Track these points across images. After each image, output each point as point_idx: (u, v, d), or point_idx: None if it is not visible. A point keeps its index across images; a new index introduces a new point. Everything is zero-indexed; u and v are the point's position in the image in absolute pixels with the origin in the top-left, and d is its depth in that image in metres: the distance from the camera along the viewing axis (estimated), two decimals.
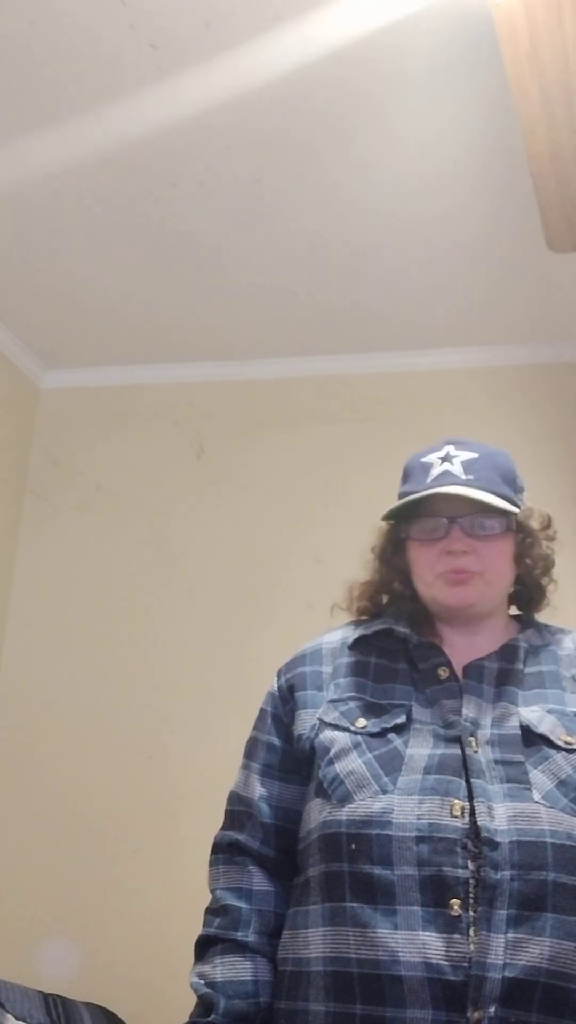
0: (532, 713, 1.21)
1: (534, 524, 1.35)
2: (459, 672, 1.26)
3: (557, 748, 1.18)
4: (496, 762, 1.16)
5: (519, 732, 1.19)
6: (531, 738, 1.18)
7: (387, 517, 1.34)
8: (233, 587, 2.83)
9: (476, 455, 1.31)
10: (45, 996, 2.22)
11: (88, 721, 2.80)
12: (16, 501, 3.04)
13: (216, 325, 2.87)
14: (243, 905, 1.24)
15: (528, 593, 1.39)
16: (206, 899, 1.30)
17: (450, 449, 1.33)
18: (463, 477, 1.28)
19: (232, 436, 2.99)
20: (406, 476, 1.37)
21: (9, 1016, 2.03)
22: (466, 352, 2.89)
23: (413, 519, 1.32)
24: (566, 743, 1.18)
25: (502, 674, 1.26)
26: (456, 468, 1.29)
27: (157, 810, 2.66)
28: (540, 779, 1.15)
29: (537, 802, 1.12)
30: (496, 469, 1.31)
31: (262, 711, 1.37)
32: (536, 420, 2.83)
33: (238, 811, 1.32)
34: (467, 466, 1.30)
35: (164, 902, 2.55)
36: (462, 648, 1.30)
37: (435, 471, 1.31)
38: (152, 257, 2.55)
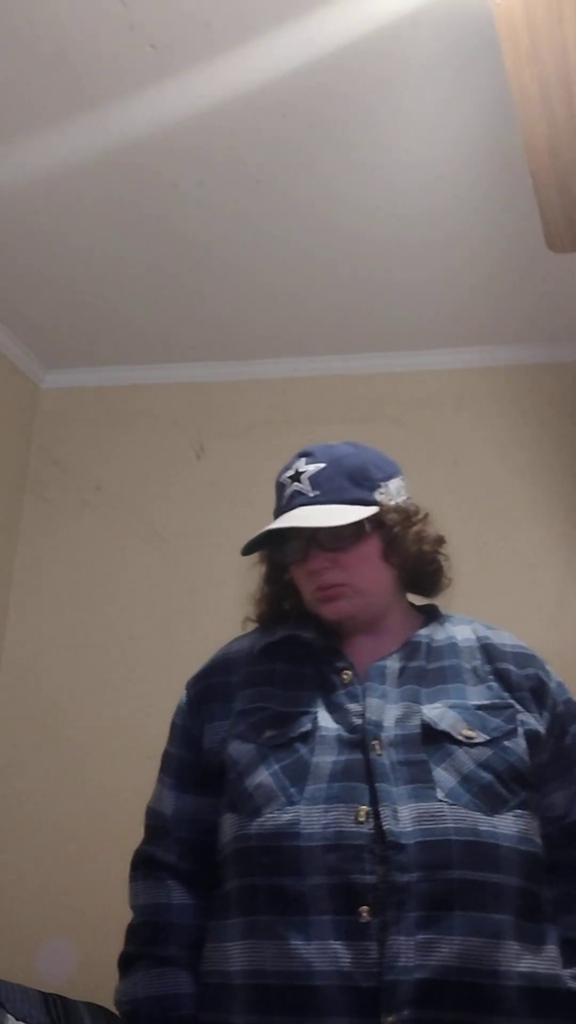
0: (434, 710, 1.21)
1: (395, 516, 1.32)
2: (362, 674, 1.26)
3: (459, 743, 1.18)
4: (400, 763, 1.16)
5: (421, 731, 1.19)
6: (433, 735, 1.18)
7: (245, 551, 1.37)
8: (233, 587, 2.83)
9: (323, 465, 1.31)
10: (45, 996, 2.22)
11: (88, 721, 2.80)
12: (16, 501, 3.04)
13: (216, 325, 2.87)
14: (162, 920, 1.24)
15: (419, 580, 1.38)
16: (129, 903, 1.32)
17: (299, 464, 1.34)
18: (310, 494, 1.30)
19: (232, 436, 2.99)
20: (275, 498, 1.38)
21: (9, 1016, 2.03)
22: (466, 352, 2.89)
23: (281, 543, 1.34)
24: (467, 737, 1.18)
25: (405, 673, 1.26)
26: (304, 485, 1.31)
27: None
28: (443, 777, 1.15)
29: (441, 800, 1.13)
30: (344, 474, 1.31)
31: (173, 724, 1.38)
32: (536, 420, 2.84)
33: (154, 826, 1.33)
34: (314, 480, 1.30)
35: None
36: (367, 649, 1.29)
37: (287, 492, 1.33)
38: (152, 257, 2.55)
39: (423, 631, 1.32)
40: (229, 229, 2.42)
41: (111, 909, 2.59)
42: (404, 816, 1.11)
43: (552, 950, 1.14)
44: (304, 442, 3.00)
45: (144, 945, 1.24)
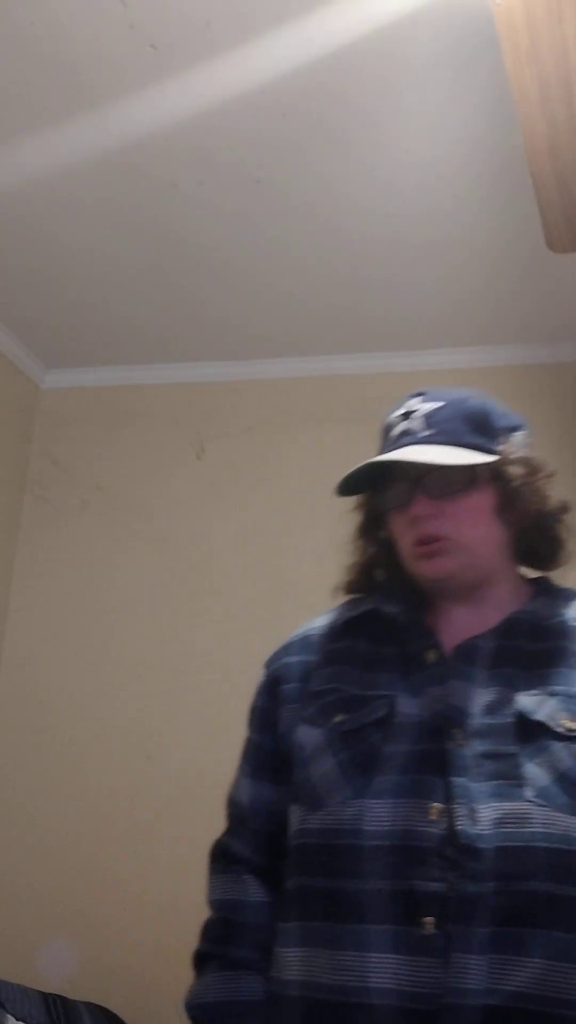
0: (531, 698, 1.06)
1: (516, 470, 1.16)
2: (450, 654, 1.12)
3: (557, 736, 1.02)
4: (484, 756, 1.02)
5: (513, 720, 1.04)
6: (528, 727, 1.03)
7: (340, 492, 1.20)
8: (233, 587, 2.83)
9: (440, 404, 1.18)
10: (45, 996, 2.22)
11: (88, 721, 2.80)
12: (16, 501, 3.04)
13: (216, 325, 2.87)
14: (237, 918, 1.15)
15: (535, 548, 1.21)
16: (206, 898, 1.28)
17: (412, 402, 1.20)
18: (421, 433, 1.15)
19: (232, 436, 2.99)
20: (379, 441, 1.24)
21: (9, 1016, 2.03)
22: (466, 352, 2.89)
23: (383, 487, 1.19)
24: (568, 730, 1.03)
25: (500, 654, 1.11)
26: (416, 424, 1.16)
27: (157, 810, 2.66)
28: (536, 773, 1.00)
29: (529, 800, 0.98)
30: (463, 416, 1.16)
31: (252, 707, 1.28)
32: (536, 420, 2.82)
33: (232, 815, 1.24)
34: (428, 419, 1.16)
35: (164, 902, 2.55)
36: (462, 623, 1.15)
37: (395, 432, 1.18)
38: (152, 257, 2.55)
39: (528, 606, 1.16)
40: (229, 229, 2.42)
41: (111, 910, 2.60)
42: (483, 817, 0.97)
43: None
44: (304, 442, 3.03)
45: (217, 944, 1.15)
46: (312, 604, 2.91)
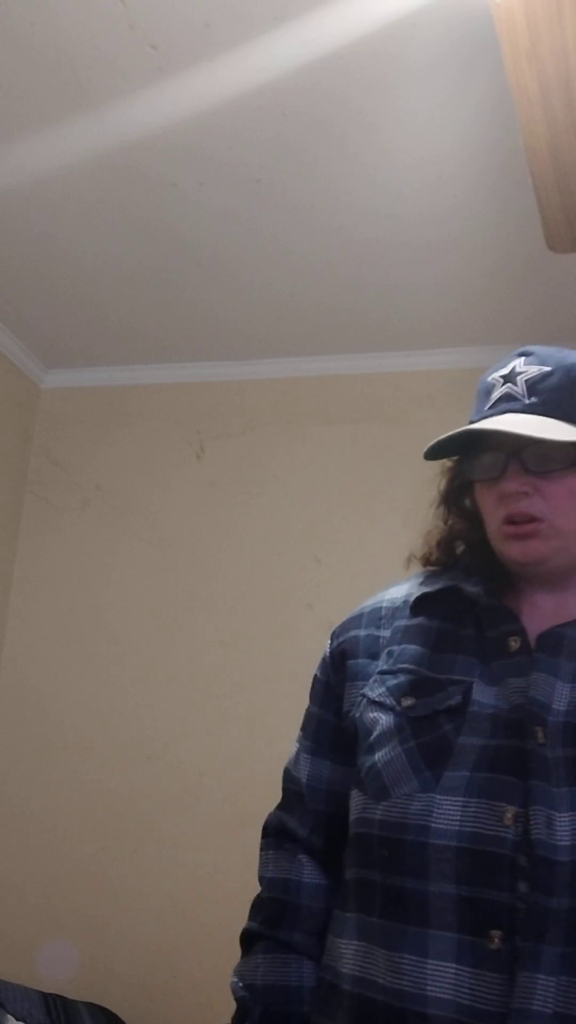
0: None
1: None
2: (534, 642, 1.04)
3: None
4: (567, 759, 0.94)
5: None
6: None
7: (429, 456, 1.10)
8: (233, 587, 2.83)
9: (547, 369, 1.07)
10: (45, 996, 2.22)
11: (88, 721, 2.80)
12: (16, 501, 3.04)
13: (216, 325, 2.87)
14: (291, 899, 1.10)
15: None
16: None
17: (517, 364, 1.09)
18: (524, 401, 1.05)
19: (232, 436, 2.99)
20: (475, 402, 1.15)
21: (9, 1016, 2.03)
22: (466, 352, 2.89)
23: (475, 455, 1.09)
24: None
25: None
26: (519, 389, 1.06)
27: (157, 810, 2.66)
28: None
29: None
30: (572, 385, 1.06)
31: (315, 679, 1.20)
32: None
33: (290, 790, 1.18)
34: (532, 385, 1.06)
35: (164, 902, 2.55)
36: (546, 611, 1.07)
37: (495, 395, 1.08)
38: (152, 257, 2.55)
39: None
40: (229, 229, 2.42)
41: (111, 910, 2.60)
42: (561, 826, 0.90)
43: None
44: (303, 442, 3.03)
45: (268, 925, 1.10)
46: (310, 603, 2.94)
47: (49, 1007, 2.18)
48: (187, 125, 2.07)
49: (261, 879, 1.15)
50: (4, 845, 2.73)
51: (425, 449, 1.09)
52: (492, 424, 1.04)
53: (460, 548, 1.18)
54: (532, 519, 1.04)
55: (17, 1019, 2.04)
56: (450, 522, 1.18)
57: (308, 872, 1.11)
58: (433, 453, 1.10)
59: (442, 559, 1.18)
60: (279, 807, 1.18)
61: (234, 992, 1.09)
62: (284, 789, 1.19)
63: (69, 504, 3.04)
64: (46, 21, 1.83)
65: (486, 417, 1.07)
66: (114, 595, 2.91)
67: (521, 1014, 0.85)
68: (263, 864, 1.16)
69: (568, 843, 0.89)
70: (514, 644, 1.03)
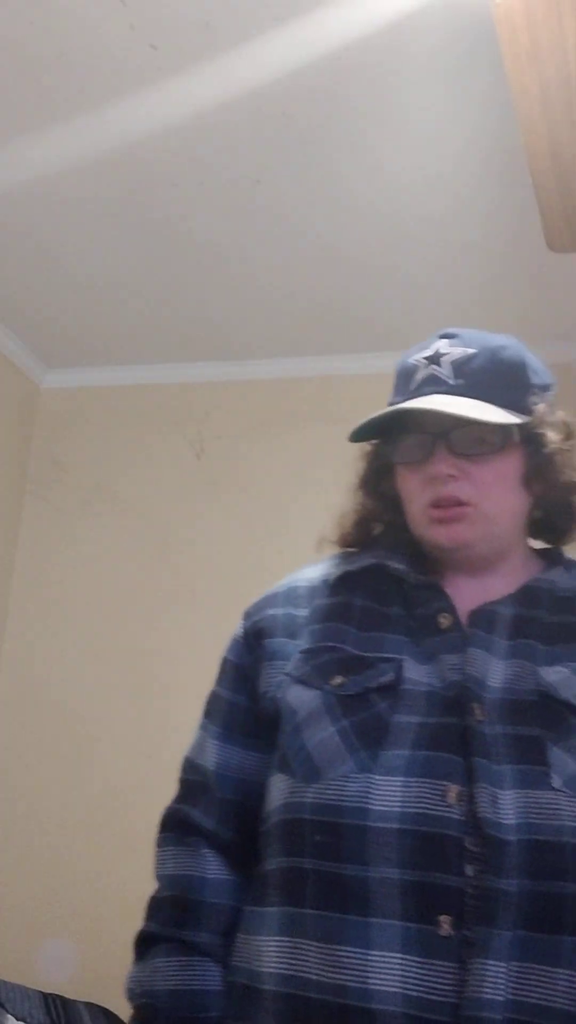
0: (555, 674, 0.96)
1: (552, 434, 1.05)
2: (465, 620, 1.01)
3: None
4: (506, 736, 0.91)
5: (536, 698, 0.94)
6: (552, 706, 0.93)
7: (353, 438, 1.10)
8: (233, 587, 2.83)
9: (472, 351, 1.05)
10: (45, 996, 2.22)
11: (88, 720, 2.80)
12: (16, 501, 3.04)
13: (216, 325, 2.87)
14: (194, 897, 1.01)
15: (553, 521, 1.11)
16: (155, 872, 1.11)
17: (440, 345, 1.06)
18: (450, 382, 1.03)
19: (232, 436, 2.99)
20: (394, 384, 1.12)
21: (9, 1016, 2.03)
22: None
23: (396, 438, 1.07)
24: None
25: (519, 623, 1.01)
26: (444, 371, 1.04)
27: (157, 810, 2.65)
28: (561, 760, 0.90)
29: (557, 790, 0.87)
30: (497, 368, 1.05)
31: (224, 660, 1.14)
32: None
33: (192, 781, 1.10)
34: (458, 367, 1.03)
35: None
36: (471, 592, 1.04)
37: (419, 376, 1.05)
38: (152, 257, 2.55)
39: (543, 576, 1.06)
40: (229, 229, 2.42)
41: (111, 910, 2.60)
42: (506, 804, 0.86)
43: None
44: (304, 442, 3.03)
45: (169, 925, 1.01)
46: None
47: (49, 1007, 2.18)
48: (187, 125, 2.07)
49: (160, 877, 1.07)
50: (3, 845, 2.73)
51: (350, 433, 1.08)
52: (426, 404, 1.01)
53: (377, 530, 1.14)
54: (459, 503, 1.02)
55: (17, 1019, 2.04)
56: (368, 505, 1.15)
57: (213, 867, 1.03)
58: (357, 436, 1.09)
59: (359, 540, 1.15)
60: (177, 800, 1.11)
61: (131, 1000, 1.01)
62: (184, 781, 1.11)
63: (69, 504, 3.04)
64: (46, 21, 1.83)
65: (411, 399, 1.03)
66: (114, 595, 2.91)
67: (474, 1003, 0.80)
68: (161, 861, 1.08)
69: (514, 822, 0.85)
70: (444, 621, 1.00)
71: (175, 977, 0.97)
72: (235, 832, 1.04)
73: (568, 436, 1.07)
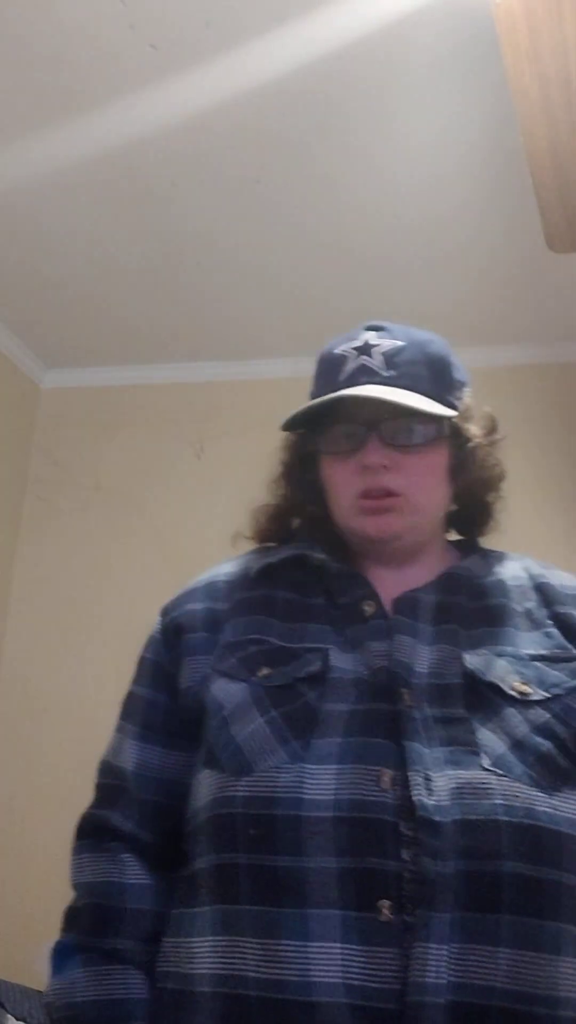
0: (479, 657, 0.97)
1: (474, 429, 1.08)
2: (388, 607, 1.01)
3: (510, 700, 0.94)
4: (435, 719, 0.91)
5: (462, 681, 0.94)
6: (477, 688, 0.94)
7: (287, 427, 1.10)
8: None
9: (401, 344, 1.06)
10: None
11: (88, 721, 2.79)
12: (16, 501, 3.04)
13: (216, 325, 2.87)
14: (114, 904, 0.97)
15: (470, 514, 1.14)
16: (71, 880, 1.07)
17: (369, 337, 1.07)
18: (383, 373, 1.03)
19: (232, 436, 2.99)
20: (317, 373, 1.12)
21: (9, 1016, 2.03)
22: (466, 352, 2.87)
23: (324, 428, 1.07)
24: (521, 693, 0.94)
25: (442, 609, 1.01)
26: (375, 362, 1.04)
27: None
28: (490, 740, 0.90)
29: (487, 769, 0.87)
30: (427, 362, 1.06)
31: (141, 659, 1.13)
32: (536, 420, 2.83)
33: (109, 784, 1.06)
34: (389, 358, 1.04)
35: None
36: (392, 580, 1.04)
37: (349, 366, 1.05)
38: (152, 257, 2.55)
39: (463, 563, 1.08)
40: (229, 229, 2.42)
41: None
42: (439, 786, 0.85)
43: None
44: None
45: (88, 934, 0.97)
46: None
47: None
48: (187, 125, 2.07)
49: (77, 885, 1.02)
50: (3, 845, 2.73)
51: (284, 422, 1.09)
52: (372, 392, 1.00)
53: (295, 524, 1.14)
54: (389, 493, 1.02)
55: (17, 1019, 2.04)
56: (291, 496, 1.14)
57: (132, 872, 0.99)
58: (291, 424, 1.09)
59: (278, 535, 1.14)
60: (94, 805, 1.08)
61: (51, 1014, 0.95)
62: (100, 785, 1.08)
63: (69, 504, 3.04)
64: (46, 21, 1.83)
65: (344, 389, 1.03)
66: (114, 595, 2.91)
67: (417, 988, 0.79)
68: (77, 869, 1.03)
69: (448, 803, 0.85)
70: (369, 609, 1.00)
71: (96, 988, 0.93)
72: (157, 834, 1.01)
73: (490, 431, 1.11)
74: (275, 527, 1.16)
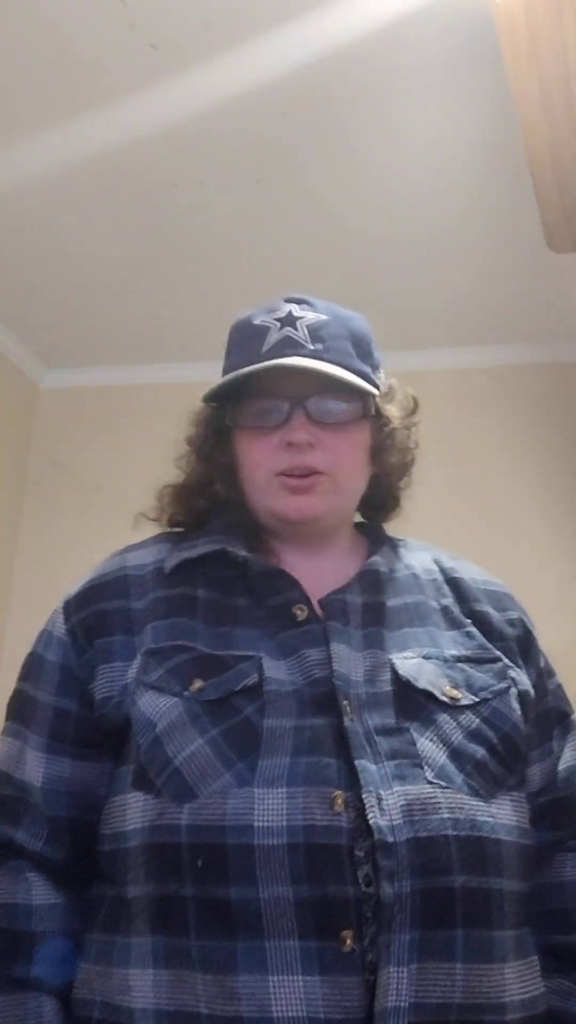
0: (408, 661, 0.92)
1: (394, 410, 1.05)
2: (317, 609, 0.95)
3: (443, 706, 0.90)
4: (376, 731, 0.87)
5: (393, 688, 0.90)
6: (411, 695, 0.89)
7: (208, 399, 1.05)
8: None
9: (325, 318, 1.01)
10: None
11: None
12: (16, 501, 3.04)
13: (216, 325, 2.84)
14: (21, 928, 0.89)
15: (380, 498, 1.09)
16: None
17: (292, 309, 1.02)
18: (309, 346, 0.98)
19: None
20: (232, 344, 1.07)
21: None
22: (466, 352, 2.89)
23: (242, 401, 1.01)
24: (452, 699, 0.90)
25: (367, 611, 0.96)
26: (300, 334, 0.99)
27: None
28: (430, 750, 0.86)
29: (432, 783, 0.84)
30: (351, 337, 1.01)
31: (38, 659, 1.03)
32: (536, 420, 2.83)
33: (10, 797, 0.96)
34: (314, 331, 0.99)
35: None
36: (312, 576, 0.98)
37: (272, 337, 1.00)
38: (152, 257, 2.55)
39: (376, 558, 1.02)
40: (229, 229, 2.43)
41: None
42: (390, 804, 0.82)
43: (535, 962, 0.88)
44: None
45: None
46: None
47: None
48: (187, 125, 2.07)
49: None
50: None
51: (205, 394, 1.04)
52: (306, 364, 0.95)
53: (201, 504, 1.08)
54: (313, 472, 0.97)
55: None
56: (201, 474, 1.08)
57: (39, 892, 0.91)
58: (215, 395, 1.04)
59: (186, 518, 1.09)
60: None
61: None
62: (3, 799, 0.97)
63: (69, 504, 3.04)
64: (46, 21, 1.83)
65: (267, 361, 0.97)
66: None
67: (382, 1014, 0.76)
68: None
69: (400, 822, 0.81)
70: (300, 614, 0.94)
71: (7, 1018, 0.86)
72: (67, 851, 0.93)
73: (409, 414, 1.07)
74: (182, 509, 1.10)
